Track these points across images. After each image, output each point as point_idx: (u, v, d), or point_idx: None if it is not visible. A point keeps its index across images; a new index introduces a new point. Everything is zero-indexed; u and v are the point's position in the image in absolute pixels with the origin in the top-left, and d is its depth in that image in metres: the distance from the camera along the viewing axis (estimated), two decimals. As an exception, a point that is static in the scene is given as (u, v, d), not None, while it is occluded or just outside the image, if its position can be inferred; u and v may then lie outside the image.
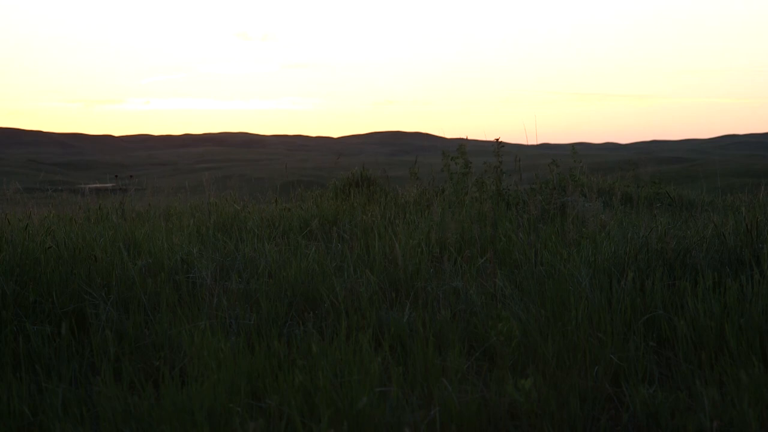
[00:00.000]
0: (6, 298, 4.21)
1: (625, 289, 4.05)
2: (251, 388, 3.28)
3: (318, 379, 3.14)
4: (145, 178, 15.50)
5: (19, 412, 3.22)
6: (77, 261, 4.78)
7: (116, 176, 12.32)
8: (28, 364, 3.65)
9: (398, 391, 3.19)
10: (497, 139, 8.39)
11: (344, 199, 7.80)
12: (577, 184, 8.19)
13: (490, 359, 3.66)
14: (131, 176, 11.36)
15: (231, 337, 3.83)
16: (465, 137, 8.84)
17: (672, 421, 3.08)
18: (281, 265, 4.94)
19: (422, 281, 4.67)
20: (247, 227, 6.30)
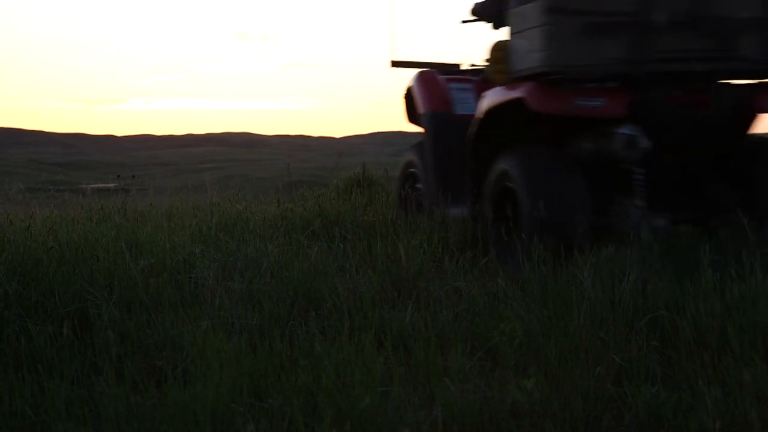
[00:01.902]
0: (8, 298, 4.21)
1: (627, 289, 4.05)
2: (254, 388, 3.28)
3: (320, 379, 3.14)
4: (147, 178, 15.48)
5: (21, 412, 3.22)
6: (79, 261, 4.78)
7: (118, 176, 12.29)
8: (30, 364, 3.65)
9: (400, 391, 3.19)
10: None
11: (346, 199, 7.81)
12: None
13: (492, 359, 3.66)
14: (133, 176, 11.34)
15: (233, 337, 3.83)
16: None
17: (674, 421, 3.08)
18: (283, 265, 4.94)
19: (424, 281, 4.67)
20: (249, 227, 6.30)
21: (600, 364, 3.43)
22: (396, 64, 6.43)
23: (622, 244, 4.62)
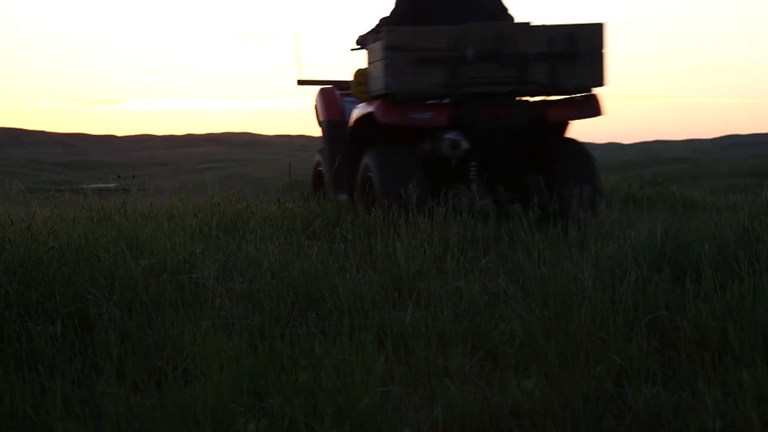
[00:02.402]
0: (9, 298, 4.21)
1: (628, 290, 4.05)
2: (254, 388, 3.29)
3: (321, 379, 3.14)
4: (148, 178, 15.48)
5: (21, 412, 3.22)
6: (80, 261, 4.78)
7: (118, 176, 12.36)
8: (31, 364, 3.65)
9: (401, 391, 3.19)
10: None
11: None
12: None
13: (492, 359, 3.66)
14: (134, 176, 11.38)
15: (233, 337, 3.83)
16: None
17: (675, 421, 3.08)
18: (284, 265, 4.94)
19: (425, 281, 4.67)
20: (249, 227, 6.30)
21: (600, 364, 3.43)
22: (301, 82, 8.19)
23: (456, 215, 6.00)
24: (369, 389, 3.08)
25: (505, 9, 7.24)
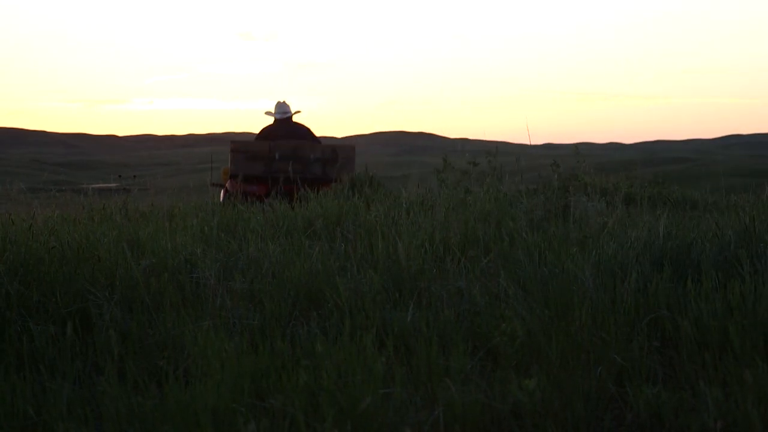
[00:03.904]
0: (10, 298, 4.21)
1: (629, 290, 4.04)
2: (255, 388, 3.28)
3: (322, 379, 3.13)
4: (149, 178, 15.48)
5: (23, 411, 3.22)
6: (81, 261, 4.79)
7: (119, 176, 12.82)
8: (32, 364, 3.65)
9: (402, 391, 3.18)
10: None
11: (348, 199, 7.80)
12: (579, 184, 8.19)
13: (493, 359, 3.66)
14: (134, 176, 11.67)
15: (234, 337, 3.83)
16: (467, 137, 9.04)
17: (675, 421, 3.08)
18: (285, 265, 4.94)
19: (426, 281, 4.67)
20: (250, 227, 6.30)
21: (601, 364, 3.43)
22: (214, 185, 12.51)
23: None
24: (370, 389, 3.08)
25: (312, 135, 11.97)
